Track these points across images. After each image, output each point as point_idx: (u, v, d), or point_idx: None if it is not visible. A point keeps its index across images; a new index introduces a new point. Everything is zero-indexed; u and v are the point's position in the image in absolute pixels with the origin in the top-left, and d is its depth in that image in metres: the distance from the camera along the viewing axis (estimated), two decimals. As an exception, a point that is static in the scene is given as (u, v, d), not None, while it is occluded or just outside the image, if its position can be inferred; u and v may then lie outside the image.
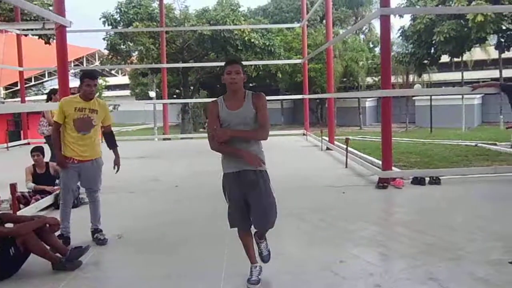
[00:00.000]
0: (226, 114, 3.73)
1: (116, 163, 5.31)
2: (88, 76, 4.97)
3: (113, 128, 5.46)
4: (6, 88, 47.50)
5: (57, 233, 4.72)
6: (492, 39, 30.23)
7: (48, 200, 6.72)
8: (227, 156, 3.75)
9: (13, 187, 5.56)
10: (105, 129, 5.32)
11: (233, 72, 3.69)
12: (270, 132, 3.84)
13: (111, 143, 5.35)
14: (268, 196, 3.73)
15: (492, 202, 6.56)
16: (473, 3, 23.95)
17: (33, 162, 7.33)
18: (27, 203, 6.60)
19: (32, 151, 7.36)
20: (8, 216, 4.59)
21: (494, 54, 32.47)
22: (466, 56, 31.81)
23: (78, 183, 5.28)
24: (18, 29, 16.40)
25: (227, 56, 27.36)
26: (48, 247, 4.30)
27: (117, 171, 5.32)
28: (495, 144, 15.69)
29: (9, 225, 4.37)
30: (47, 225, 4.39)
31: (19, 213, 5.55)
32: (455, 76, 36.13)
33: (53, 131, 5.15)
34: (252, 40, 26.68)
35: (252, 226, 3.85)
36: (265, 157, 3.75)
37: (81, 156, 4.96)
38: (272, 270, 4.12)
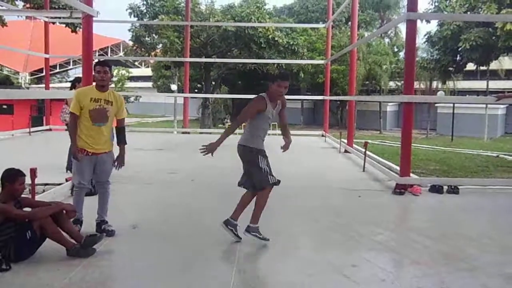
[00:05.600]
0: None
1: (120, 161, 5.10)
2: (99, 63, 4.99)
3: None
4: (31, 74, 48.28)
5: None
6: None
7: (65, 186, 6.82)
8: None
9: (32, 172, 5.65)
10: (118, 123, 5.21)
11: (282, 87, 4.71)
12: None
13: (121, 139, 5.20)
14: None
15: (511, 215, 6.44)
16: (503, 11, 23.47)
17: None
18: None
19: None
20: (27, 200, 4.66)
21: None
22: (496, 65, 31.24)
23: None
24: (46, 17, 16.65)
25: (250, 53, 27.33)
26: (63, 233, 4.36)
27: (118, 168, 5.11)
28: (517, 156, 15.43)
29: (27, 209, 4.45)
30: (64, 211, 4.46)
31: (37, 198, 5.64)
32: (480, 84, 35.57)
33: (71, 123, 5.03)
34: (276, 39, 26.64)
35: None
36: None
37: (94, 148, 4.93)
38: (283, 270, 4.14)
